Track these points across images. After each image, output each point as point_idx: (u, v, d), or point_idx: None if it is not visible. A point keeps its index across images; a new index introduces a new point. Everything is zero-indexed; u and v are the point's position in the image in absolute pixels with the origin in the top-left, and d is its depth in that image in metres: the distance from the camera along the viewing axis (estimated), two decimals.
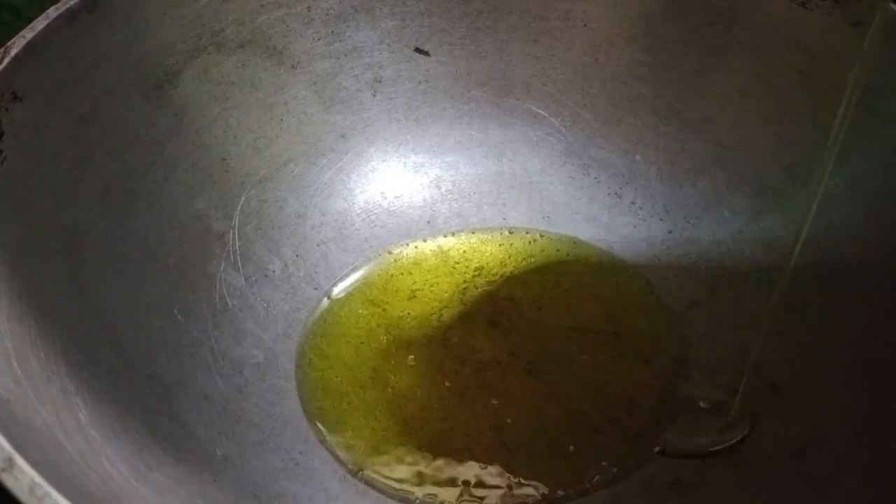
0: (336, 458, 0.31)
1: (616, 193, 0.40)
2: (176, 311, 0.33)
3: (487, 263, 0.39)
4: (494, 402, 0.33)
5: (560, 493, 0.30)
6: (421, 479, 0.31)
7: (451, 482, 0.31)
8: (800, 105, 0.36)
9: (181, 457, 0.27)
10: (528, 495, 0.30)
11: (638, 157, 0.40)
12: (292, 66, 0.38)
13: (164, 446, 0.27)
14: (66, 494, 0.19)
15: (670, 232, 0.39)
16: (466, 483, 0.30)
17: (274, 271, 0.37)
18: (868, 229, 0.32)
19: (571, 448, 0.32)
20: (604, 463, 0.31)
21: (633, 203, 0.40)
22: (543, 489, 0.31)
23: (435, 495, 0.30)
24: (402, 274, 0.38)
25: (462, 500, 0.30)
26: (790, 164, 0.36)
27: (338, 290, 0.37)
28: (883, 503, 0.25)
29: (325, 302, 0.37)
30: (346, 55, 0.39)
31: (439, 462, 0.31)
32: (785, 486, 0.28)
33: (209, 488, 0.27)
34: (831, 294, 0.32)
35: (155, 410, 0.28)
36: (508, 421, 0.33)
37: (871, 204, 0.32)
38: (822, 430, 0.29)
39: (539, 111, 0.41)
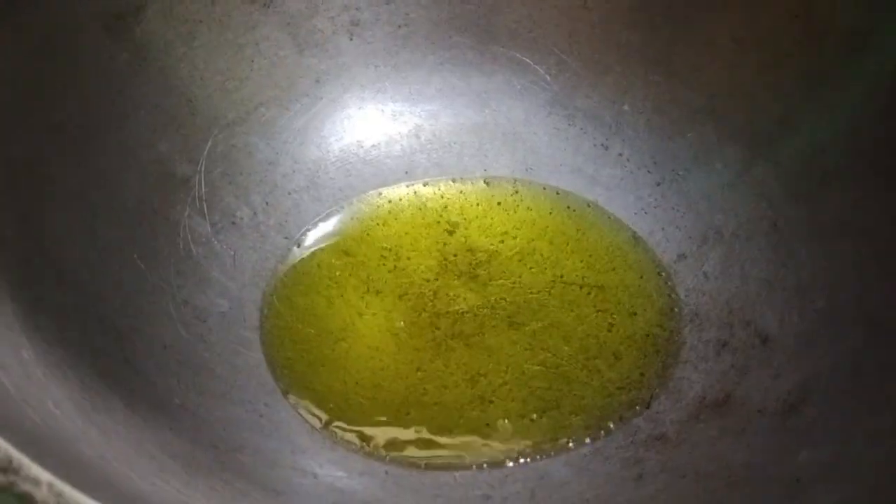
0: (304, 411, 0.30)
1: (602, 145, 0.38)
2: (136, 256, 0.31)
3: (467, 215, 0.37)
4: (471, 354, 0.32)
5: (538, 447, 0.29)
6: (391, 434, 0.29)
7: (422, 438, 0.29)
8: (794, 52, 0.34)
9: (134, 403, 0.25)
10: (504, 451, 0.29)
11: (626, 107, 0.38)
12: (265, 5, 0.36)
13: (116, 391, 0.25)
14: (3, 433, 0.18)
15: (658, 184, 0.37)
16: (435, 440, 0.29)
17: (242, 219, 0.35)
18: (863, 178, 0.31)
19: (551, 401, 0.30)
20: (584, 417, 0.30)
21: (619, 155, 0.38)
22: (520, 444, 0.29)
23: (404, 452, 0.29)
24: (377, 225, 0.36)
25: (432, 457, 0.28)
26: (783, 114, 0.35)
27: (310, 239, 0.36)
28: (879, 456, 0.24)
29: (296, 251, 0.35)
30: None
31: (411, 416, 0.30)
32: (776, 441, 0.26)
33: (164, 436, 0.25)
34: (824, 243, 0.31)
35: (107, 354, 0.27)
36: (485, 374, 0.31)
37: (866, 154, 0.31)
38: (815, 382, 0.27)
39: (524, 59, 0.39)
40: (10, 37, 0.28)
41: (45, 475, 0.16)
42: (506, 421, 0.30)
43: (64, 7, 0.31)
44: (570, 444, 0.29)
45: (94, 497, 0.17)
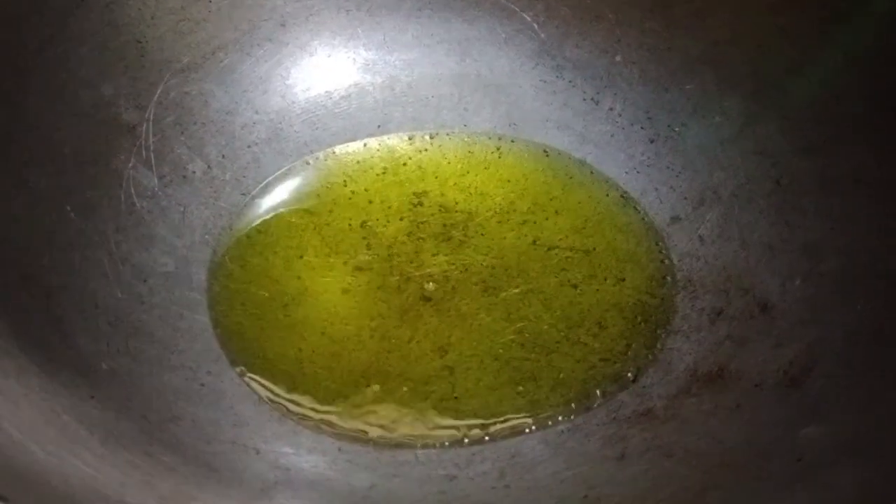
0: (250, 380, 0.27)
1: (592, 99, 0.35)
2: (69, 208, 0.28)
3: (444, 173, 0.34)
4: (440, 321, 0.29)
5: (510, 424, 0.26)
6: (346, 407, 0.26)
7: (382, 411, 0.26)
8: None
9: (53, 368, 0.23)
10: (472, 427, 0.26)
11: (618, 58, 0.35)
12: None
13: (33, 354, 0.22)
14: None
15: (652, 141, 0.34)
16: (396, 414, 0.26)
17: (194, 172, 0.32)
18: (882, 126, 0.28)
19: (527, 373, 0.27)
20: (563, 390, 0.27)
21: (611, 109, 0.35)
22: (491, 420, 0.26)
23: (360, 427, 0.26)
24: (344, 182, 0.33)
25: (392, 433, 0.26)
26: (792, 59, 0.31)
27: (269, 196, 0.33)
28: (887, 432, 0.21)
29: (253, 209, 0.32)
30: None
31: (371, 388, 0.27)
32: (775, 417, 0.24)
33: (84, 405, 0.22)
34: (835, 199, 0.28)
35: (26, 312, 0.24)
36: (455, 343, 0.28)
37: (885, 98, 0.28)
38: (821, 351, 0.25)
39: (509, 4, 0.36)
40: None
41: None
42: (476, 395, 0.27)
43: None
44: (547, 421, 0.26)
45: None
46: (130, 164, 0.30)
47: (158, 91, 0.32)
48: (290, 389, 0.27)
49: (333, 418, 0.26)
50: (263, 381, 0.27)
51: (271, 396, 0.26)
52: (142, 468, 0.21)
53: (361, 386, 0.27)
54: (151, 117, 0.32)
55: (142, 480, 0.20)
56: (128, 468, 0.20)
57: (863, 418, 0.22)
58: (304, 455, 0.24)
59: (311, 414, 0.26)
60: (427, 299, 0.29)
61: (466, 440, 0.25)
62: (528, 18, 0.36)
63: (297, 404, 0.26)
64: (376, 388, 0.27)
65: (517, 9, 0.36)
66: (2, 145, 0.27)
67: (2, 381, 0.21)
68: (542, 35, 0.36)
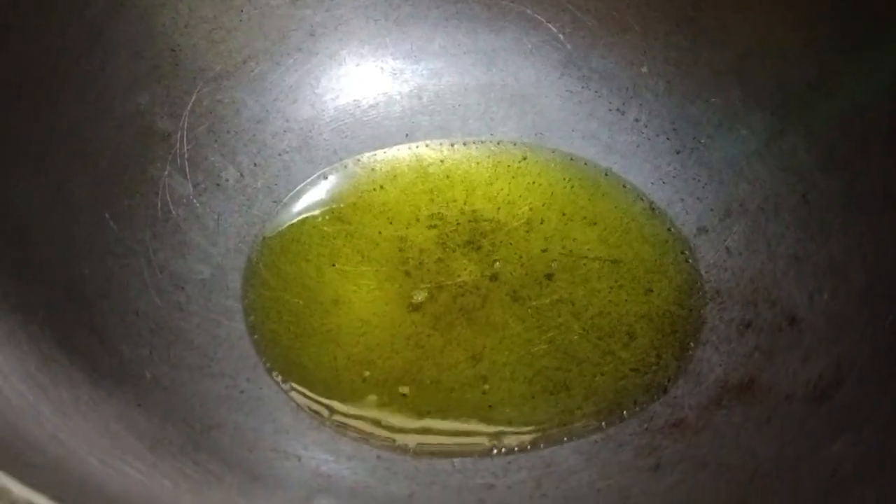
0: (288, 387, 0.27)
1: (618, 109, 0.36)
2: (107, 216, 0.28)
3: (471, 181, 0.34)
4: (472, 330, 0.29)
5: (545, 433, 0.26)
6: (383, 415, 0.27)
7: (418, 419, 0.26)
8: (831, 8, 0.31)
9: (98, 376, 0.23)
10: (507, 436, 0.26)
11: (644, 69, 0.36)
12: None
13: (79, 363, 0.23)
14: None
15: (678, 152, 0.34)
16: (432, 423, 0.26)
17: (227, 180, 0.32)
18: None
19: (560, 383, 0.28)
20: (596, 400, 0.27)
21: (636, 120, 0.35)
22: (525, 429, 0.27)
23: (397, 435, 0.26)
24: (374, 190, 0.34)
25: (429, 442, 0.26)
26: (818, 75, 0.32)
27: (301, 204, 0.33)
28: None
29: (286, 216, 0.32)
30: None
31: (407, 396, 0.27)
32: (807, 430, 0.24)
33: (131, 413, 0.23)
34: (861, 215, 0.28)
35: (71, 322, 0.24)
36: (487, 351, 0.28)
37: None
38: (850, 365, 0.25)
39: (535, 15, 0.36)
40: None
41: None
42: (509, 403, 0.27)
43: None
44: (580, 430, 0.26)
45: (38, 489, 0.15)
46: (166, 172, 0.31)
47: (192, 99, 0.32)
48: (327, 397, 0.27)
49: (370, 426, 0.26)
50: (301, 389, 0.27)
51: (309, 404, 0.27)
52: (191, 477, 0.21)
53: (396, 394, 0.27)
54: (185, 125, 0.32)
55: (192, 489, 0.20)
56: (178, 476, 0.21)
57: (893, 430, 0.22)
58: (344, 462, 0.25)
59: (348, 421, 0.26)
60: (459, 308, 0.30)
61: (503, 449, 0.26)
62: (554, 29, 0.36)
63: (334, 411, 0.27)
64: (411, 396, 0.27)
65: (543, 20, 0.36)
66: (42, 155, 0.27)
67: (52, 391, 0.21)
68: (569, 46, 0.36)
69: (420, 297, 0.30)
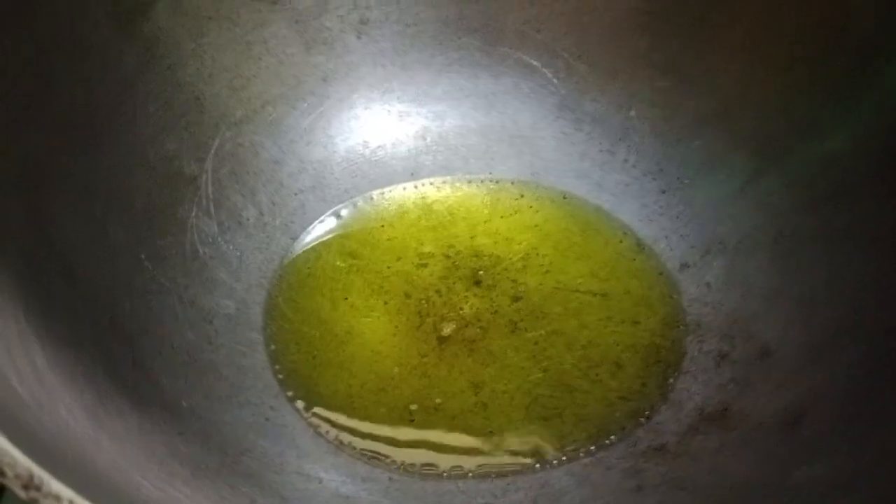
0: (308, 414, 0.30)
1: (608, 150, 0.38)
2: (143, 256, 0.31)
3: (472, 218, 0.37)
4: (474, 360, 0.32)
5: (540, 456, 0.29)
6: (395, 439, 0.29)
7: (425, 444, 0.29)
8: (808, 59, 0.34)
9: (144, 406, 0.26)
10: (506, 459, 0.29)
11: (633, 113, 0.38)
12: (273, 3, 0.36)
13: (126, 394, 0.26)
14: (16, 442, 0.18)
15: (663, 192, 0.37)
16: (438, 446, 0.29)
17: (248, 219, 0.35)
18: (877, 189, 0.31)
19: (553, 410, 0.30)
20: (586, 426, 0.30)
21: (625, 161, 0.38)
22: (523, 452, 0.29)
23: (407, 459, 0.29)
24: (382, 226, 0.36)
25: (436, 464, 0.29)
26: (795, 122, 0.34)
27: (315, 240, 0.36)
28: (880, 472, 0.24)
29: (302, 253, 0.35)
30: None
31: (415, 422, 0.30)
32: (776, 454, 0.27)
33: (174, 440, 0.25)
34: (832, 255, 0.31)
35: (117, 356, 0.27)
36: (488, 381, 0.31)
37: (881, 163, 0.31)
38: (816, 395, 0.28)
39: (532, 61, 0.39)
40: (18, 34, 0.28)
41: (66, 492, 0.16)
42: (508, 429, 0.30)
43: (73, 4, 0.31)
44: (572, 454, 0.29)
45: None
46: (193, 213, 0.34)
47: (216, 144, 0.35)
48: (343, 422, 0.30)
49: (382, 449, 0.29)
50: (319, 415, 0.30)
51: (327, 429, 0.30)
52: (228, 499, 0.24)
53: (406, 420, 0.30)
54: (210, 168, 0.35)
55: None
56: (217, 499, 0.23)
57: (853, 459, 0.25)
58: (360, 484, 0.28)
59: (362, 445, 0.29)
60: (462, 339, 0.33)
61: (501, 471, 0.29)
62: (549, 75, 0.39)
63: (350, 436, 0.29)
64: (418, 421, 0.30)
65: (539, 65, 0.39)
66: (85, 200, 0.30)
67: (107, 422, 0.24)
68: (563, 91, 0.39)
69: (426, 328, 0.33)
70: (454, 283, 0.35)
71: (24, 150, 0.28)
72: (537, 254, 0.36)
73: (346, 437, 0.29)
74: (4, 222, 0.26)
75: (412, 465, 0.29)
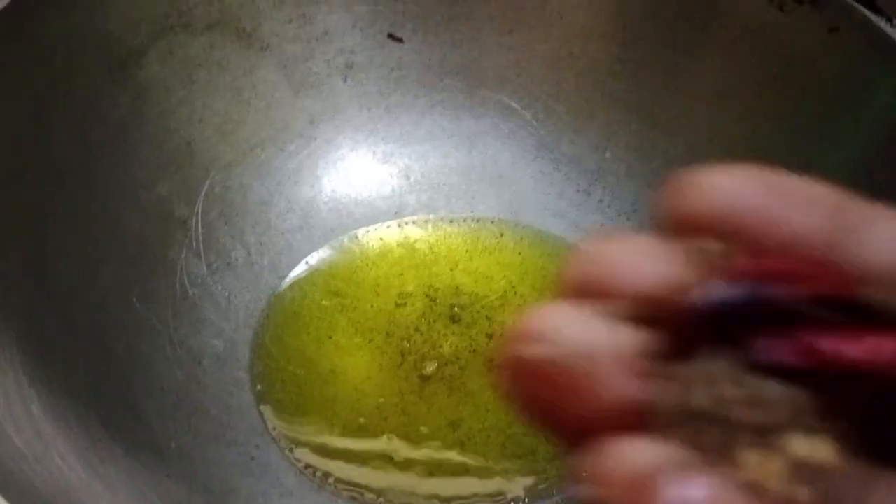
0: (291, 453, 0.31)
1: (585, 190, 0.40)
2: (134, 299, 0.32)
3: (453, 256, 0.39)
4: (452, 398, 0.33)
5: (514, 493, 0.31)
6: (374, 477, 0.31)
7: (404, 481, 0.31)
8: (774, 107, 0.36)
9: (135, 450, 0.27)
10: (483, 496, 0.31)
11: (608, 154, 0.40)
12: (262, 49, 0.38)
13: (119, 439, 0.27)
14: (13, 499, 0.19)
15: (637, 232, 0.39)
16: (417, 484, 0.30)
17: (237, 259, 0.36)
18: None
19: (527, 448, 0.32)
20: (557, 464, 0.31)
21: (600, 201, 0.40)
22: (498, 489, 0.31)
23: (387, 496, 0.30)
24: (367, 266, 0.38)
25: (415, 501, 0.30)
26: (764, 161, 0.36)
27: (301, 280, 0.37)
28: None
29: (288, 292, 0.37)
30: (317, 39, 0.39)
31: (394, 461, 0.31)
32: None
33: (163, 482, 0.27)
34: None
35: (111, 400, 0.28)
36: (465, 418, 0.33)
37: None
38: None
39: (511, 103, 0.41)
40: (14, 82, 0.30)
41: None
42: (484, 467, 0.31)
43: (67, 53, 0.32)
44: (544, 491, 0.31)
45: None
46: (183, 255, 0.35)
47: (205, 187, 0.37)
48: (325, 461, 0.31)
49: (364, 487, 0.31)
50: (302, 453, 0.31)
51: (311, 468, 0.31)
52: None
53: (386, 458, 0.31)
54: (200, 211, 0.36)
55: None
56: None
57: None
58: None
59: (344, 483, 0.31)
60: (440, 377, 0.34)
61: None
62: (529, 116, 0.41)
63: (331, 474, 0.31)
64: (398, 459, 0.31)
65: (518, 107, 0.41)
66: (79, 243, 0.31)
67: (101, 468, 0.25)
68: (542, 131, 0.41)
69: (407, 367, 0.34)
70: (434, 322, 0.36)
71: (21, 199, 0.29)
72: (515, 292, 0.37)
73: (327, 476, 0.31)
74: (7, 272, 0.27)
75: (390, 500, 0.30)
